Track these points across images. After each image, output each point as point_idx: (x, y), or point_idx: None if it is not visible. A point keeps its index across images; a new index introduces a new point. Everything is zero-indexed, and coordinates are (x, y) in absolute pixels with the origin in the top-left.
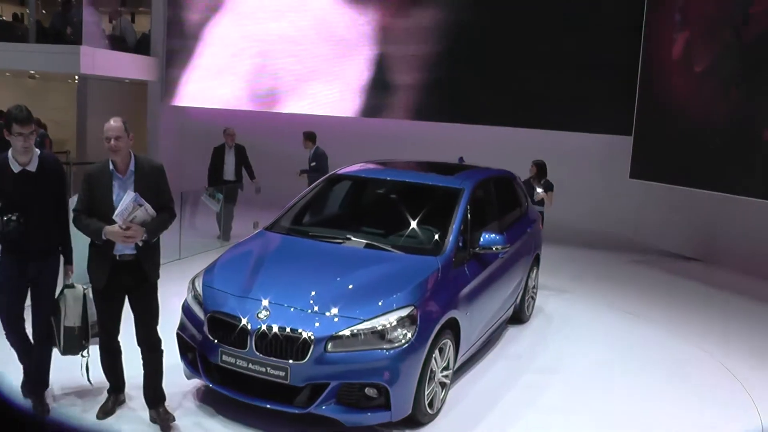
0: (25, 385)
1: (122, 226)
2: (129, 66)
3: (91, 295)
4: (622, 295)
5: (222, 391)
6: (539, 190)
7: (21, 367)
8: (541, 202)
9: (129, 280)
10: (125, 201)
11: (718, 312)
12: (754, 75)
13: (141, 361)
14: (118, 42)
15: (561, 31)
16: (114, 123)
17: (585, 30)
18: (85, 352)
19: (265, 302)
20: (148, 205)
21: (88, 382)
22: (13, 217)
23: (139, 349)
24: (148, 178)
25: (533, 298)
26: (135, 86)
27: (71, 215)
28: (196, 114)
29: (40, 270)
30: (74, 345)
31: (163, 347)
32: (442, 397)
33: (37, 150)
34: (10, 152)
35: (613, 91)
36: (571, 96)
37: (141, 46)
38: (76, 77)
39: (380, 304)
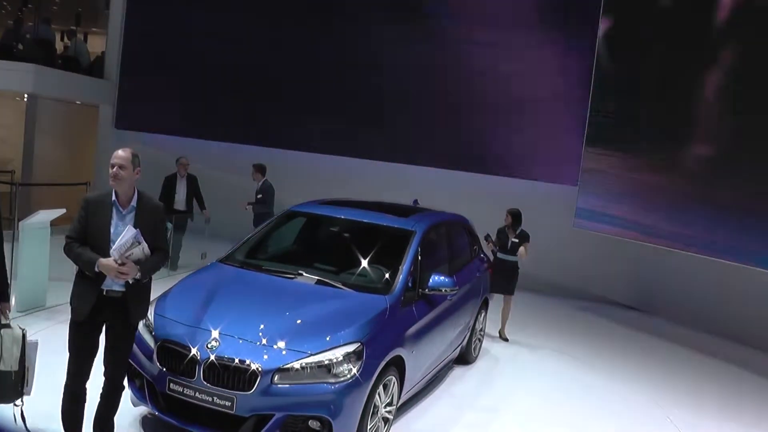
0: None
1: (118, 261)
2: (81, 88)
3: (29, 338)
4: (567, 341)
5: (168, 419)
6: (515, 240)
7: None
8: (514, 251)
9: (111, 316)
10: (126, 236)
11: (658, 360)
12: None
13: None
14: (71, 62)
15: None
16: (122, 152)
17: (538, 86)
18: (19, 401)
19: (215, 333)
20: (145, 244)
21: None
22: None
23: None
24: (148, 216)
25: (480, 340)
26: (86, 108)
27: (64, 241)
28: (147, 140)
29: None
30: (10, 392)
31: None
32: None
33: None
34: None
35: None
36: (521, 144)
37: (94, 67)
38: (26, 96)
39: (328, 339)
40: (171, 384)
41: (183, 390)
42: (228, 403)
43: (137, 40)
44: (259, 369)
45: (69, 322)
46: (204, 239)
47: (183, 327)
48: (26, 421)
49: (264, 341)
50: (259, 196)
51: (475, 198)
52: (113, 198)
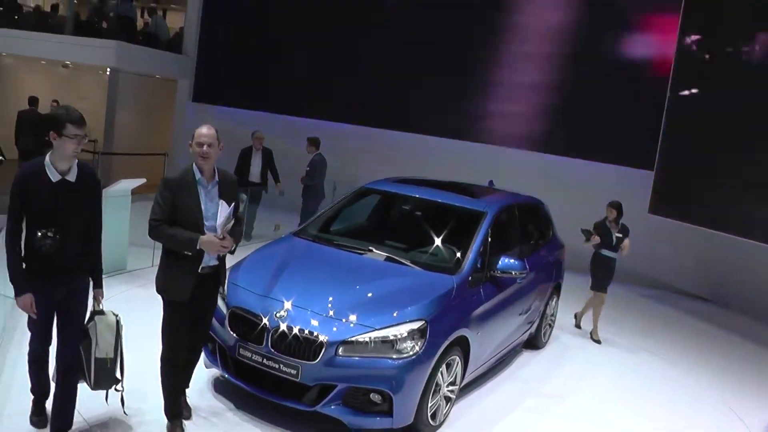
0: (35, 417)
1: (220, 236)
2: (160, 63)
3: (121, 322)
4: (637, 330)
5: (237, 382)
6: (618, 234)
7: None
8: (617, 247)
9: (203, 290)
10: (226, 211)
11: (731, 355)
12: None
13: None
14: (151, 38)
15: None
16: (207, 130)
17: (615, 63)
18: (119, 386)
19: (285, 303)
20: (232, 217)
21: (123, 414)
22: (50, 233)
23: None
24: (229, 189)
25: (551, 326)
26: (165, 83)
27: (145, 210)
28: (223, 115)
29: (69, 292)
30: (107, 378)
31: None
32: (445, 410)
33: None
34: (47, 158)
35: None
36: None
37: (173, 43)
38: (108, 70)
39: (393, 315)
40: (241, 350)
41: (252, 356)
42: (294, 371)
43: (215, 17)
44: (325, 340)
45: (164, 304)
46: (278, 211)
47: (254, 296)
48: (124, 404)
49: (331, 314)
50: (308, 169)
51: (553, 181)
52: (197, 175)
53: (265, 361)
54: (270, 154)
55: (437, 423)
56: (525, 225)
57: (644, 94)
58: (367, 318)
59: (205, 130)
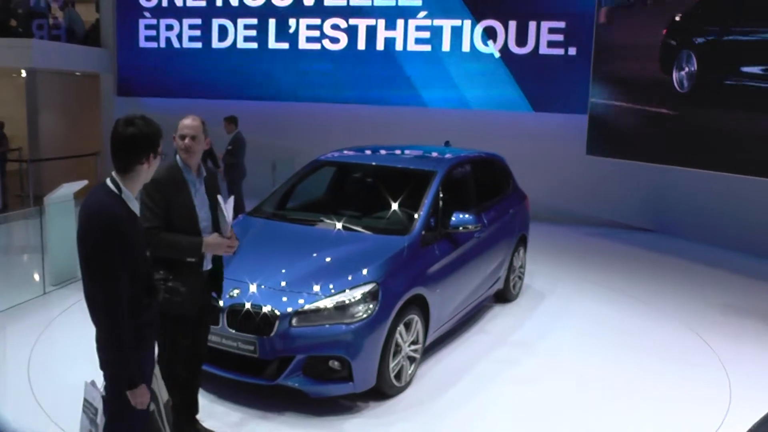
0: None
1: (227, 236)
2: (80, 58)
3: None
4: (603, 272)
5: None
6: None
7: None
8: None
9: (207, 295)
10: (229, 208)
11: (686, 280)
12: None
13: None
14: (66, 33)
15: None
16: (191, 121)
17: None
18: None
19: (237, 282)
20: None
21: None
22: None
23: None
24: (213, 181)
25: (520, 278)
26: (86, 79)
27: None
28: (151, 105)
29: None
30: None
31: None
32: (411, 370)
33: None
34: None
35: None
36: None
37: (90, 37)
38: (23, 71)
39: (344, 281)
40: None
41: (211, 337)
42: (251, 348)
43: (130, 6)
44: (277, 313)
45: (166, 316)
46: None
47: None
48: None
49: (282, 287)
50: (229, 147)
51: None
52: (188, 173)
53: (223, 340)
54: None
55: (403, 383)
56: (481, 180)
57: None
58: (317, 286)
59: (188, 122)
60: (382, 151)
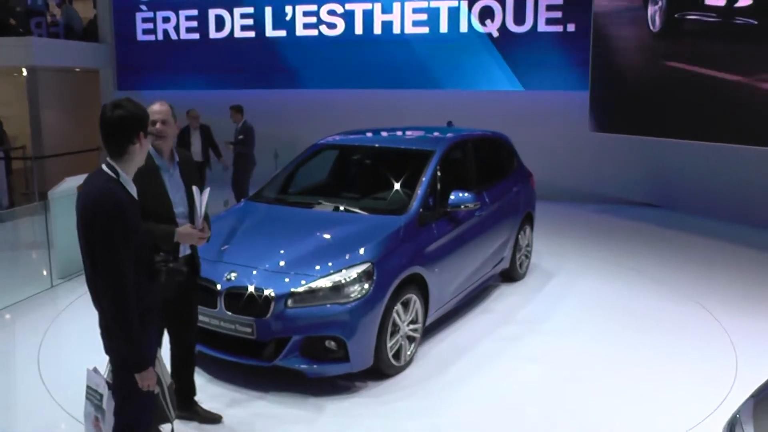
0: None
1: (200, 227)
2: (79, 55)
3: None
4: (609, 249)
5: (200, 348)
6: None
7: None
8: None
9: (184, 283)
10: (204, 199)
11: (691, 255)
12: None
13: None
14: (64, 30)
15: None
16: (160, 106)
17: None
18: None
19: (234, 265)
20: None
21: None
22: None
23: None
24: (189, 168)
25: (527, 257)
26: (86, 75)
27: None
28: (151, 98)
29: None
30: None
31: None
32: (410, 350)
33: None
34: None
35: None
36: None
37: (88, 33)
38: (24, 70)
39: (338, 261)
40: (200, 316)
41: (209, 320)
42: (249, 330)
43: (125, 1)
44: (272, 294)
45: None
46: (225, 187)
47: (207, 262)
48: None
49: (278, 268)
50: (241, 137)
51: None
52: (158, 160)
53: (221, 323)
54: (208, 131)
55: (402, 363)
56: (483, 159)
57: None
58: (312, 268)
59: (156, 107)
60: (383, 133)
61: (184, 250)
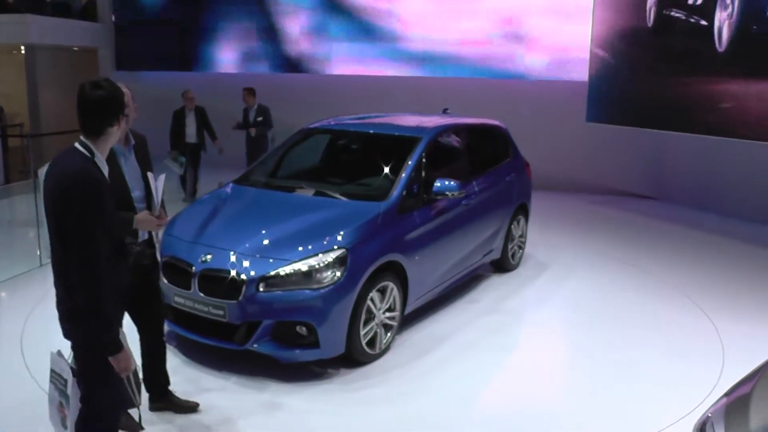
0: None
1: (157, 214)
2: (78, 33)
3: None
4: (604, 240)
5: (174, 328)
6: None
7: None
8: None
9: (143, 266)
10: (159, 186)
11: (686, 248)
12: None
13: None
14: (62, 8)
15: None
16: (124, 89)
17: None
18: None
19: (209, 247)
20: None
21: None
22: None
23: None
24: (143, 149)
25: (520, 247)
26: (85, 54)
27: None
28: (153, 80)
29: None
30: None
31: None
32: (386, 338)
33: None
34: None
35: None
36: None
37: (86, 11)
38: (23, 48)
39: (311, 246)
40: (175, 297)
41: (185, 302)
42: (221, 312)
43: None
44: (244, 278)
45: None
46: (220, 168)
47: (184, 243)
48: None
49: (251, 252)
50: (260, 118)
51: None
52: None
53: (195, 305)
54: (203, 113)
55: (377, 350)
56: (476, 148)
57: None
58: (286, 252)
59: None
60: (374, 119)
61: (143, 236)
